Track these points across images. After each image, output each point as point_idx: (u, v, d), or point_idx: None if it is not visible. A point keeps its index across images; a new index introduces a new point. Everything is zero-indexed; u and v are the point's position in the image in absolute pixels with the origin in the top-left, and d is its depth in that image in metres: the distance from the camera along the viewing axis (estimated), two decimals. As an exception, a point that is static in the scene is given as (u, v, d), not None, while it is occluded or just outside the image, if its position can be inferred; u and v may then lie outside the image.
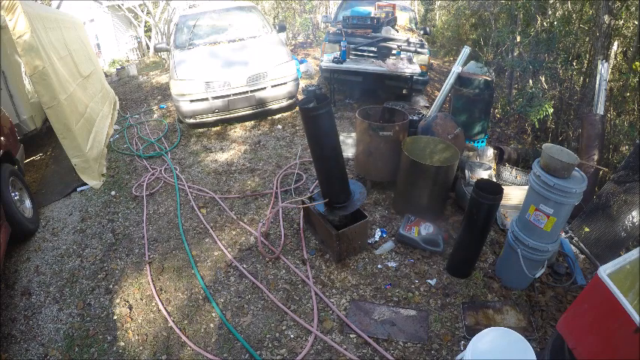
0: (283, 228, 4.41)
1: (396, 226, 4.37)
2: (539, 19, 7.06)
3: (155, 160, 6.32)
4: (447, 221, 4.48)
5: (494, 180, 4.93)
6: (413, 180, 4.31)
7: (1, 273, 3.97)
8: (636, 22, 6.06)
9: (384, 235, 4.30)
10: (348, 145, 5.97)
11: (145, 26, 18.07)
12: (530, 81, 6.91)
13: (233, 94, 6.75)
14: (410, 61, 7.03)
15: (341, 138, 5.86)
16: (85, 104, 6.39)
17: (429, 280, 3.74)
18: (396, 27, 8.12)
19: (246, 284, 3.78)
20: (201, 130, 7.19)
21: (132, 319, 3.55)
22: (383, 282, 3.72)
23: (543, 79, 7.01)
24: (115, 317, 3.57)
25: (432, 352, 3.11)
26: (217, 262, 4.09)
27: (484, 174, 4.72)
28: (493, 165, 5.21)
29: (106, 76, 11.20)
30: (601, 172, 5.31)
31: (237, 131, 7.11)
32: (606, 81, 5.27)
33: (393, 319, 3.37)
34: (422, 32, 9.10)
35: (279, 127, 7.12)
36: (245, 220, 4.67)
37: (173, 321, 3.45)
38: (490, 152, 5.35)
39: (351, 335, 3.24)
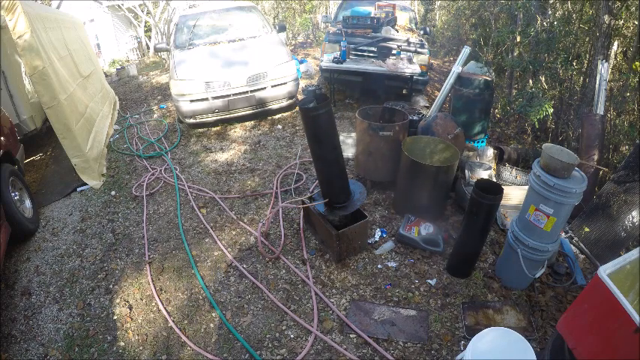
0: (283, 228, 4.41)
1: (396, 226, 4.37)
2: (539, 19, 7.06)
3: (155, 160, 6.32)
4: (447, 221, 4.49)
5: (494, 180, 4.93)
6: (413, 180, 4.31)
7: (1, 273, 3.97)
8: (636, 22, 6.07)
9: (384, 235, 4.30)
10: (348, 145, 5.97)
11: (145, 26, 18.09)
12: (530, 81, 6.92)
13: (233, 94, 6.75)
14: (410, 61, 7.03)
15: (341, 138, 5.86)
16: (85, 104, 6.39)
17: (429, 280, 3.74)
18: (396, 27, 8.12)
19: (246, 284, 3.78)
20: (201, 130, 7.19)
21: (132, 319, 3.55)
22: (383, 282, 3.73)
23: (543, 79, 7.02)
24: (115, 317, 3.57)
25: (432, 352, 3.11)
26: (217, 262, 4.09)
27: (484, 174, 4.72)
28: (493, 165, 5.20)
29: (106, 76, 11.20)
30: (601, 172, 5.32)
31: (237, 131, 7.11)
32: (606, 81, 5.27)
33: (393, 319, 3.37)
34: (422, 32, 9.09)
35: (279, 127, 7.13)
36: (245, 220, 4.67)
37: (173, 321, 3.46)
38: (490, 152, 5.35)
39: (351, 335, 3.24)
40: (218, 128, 7.22)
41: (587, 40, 6.67)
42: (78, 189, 5.55)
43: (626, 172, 4.23)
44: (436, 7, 17.91)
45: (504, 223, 4.46)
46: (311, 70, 10.37)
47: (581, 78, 6.89)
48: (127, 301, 3.72)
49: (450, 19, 14.72)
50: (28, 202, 4.86)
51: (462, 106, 5.89)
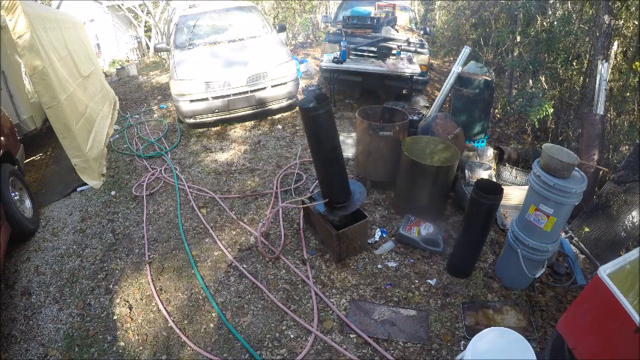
0: (283, 228, 4.41)
1: (396, 226, 4.38)
2: (539, 19, 7.07)
3: (155, 160, 6.33)
4: (447, 221, 4.49)
5: (494, 180, 4.93)
6: (413, 180, 4.31)
7: (1, 273, 3.97)
8: (636, 22, 6.07)
9: (384, 235, 4.30)
10: (348, 145, 5.98)
11: (145, 26, 18.09)
12: (531, 81, 6.92)
13: (233, 94, 6.76)
14: (410, 61, 7.04)
15: (341, 138, 5.86)
16: (85, 104, 6.39)
17: (429, 280, 3.75)
18: (396, 27, 8.13)
19: (246, 284, 3.78)
20: (201, 130, 7.20)
21: (132, 319, 3.55)
22: (383, 282, 3.73)
23: (543, 79, 7.02)
24: (115, 317, 3.57)
25: (432, 352, 3.12)
26: (217, 262, 4.09)
27: (484, 174, 4.72)
28: (493, 165, 5.21)
29: (106, 76, 11.21)
30: (601, 172, 5.32)
31: (237, 131, 7.12)
32: (606, 81, 5.27)
33: (393, 319, 3.37)
34: (422, 32, 9.10)
35: (279, 127, 7.13)
36: (245, 220, 4.68)
37: (173, 321, 3.46)
38: (490, 152, 5.35)
39: (351, 335, 3.25)
40: (218, 128, 7.23)
41: (587, 40, 6.68)
42: (78, 189, 5.55)
43: (626, 172, 4.24)
44: (436, 7, 17.92)
45: (504, 223, 4.46)
46: (311, 70, 10.37)
47: (581, 78, 6.89)
48: (127, 301, 3.72)
49: (450, 19, 14.73)
50: (28, 202, 4.86)
51: (462, 106, 5.89)
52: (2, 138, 4.68)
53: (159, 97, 9.38)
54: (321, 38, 11.93)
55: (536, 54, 6.82)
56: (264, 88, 6.92)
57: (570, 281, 3.76)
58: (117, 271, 4.09)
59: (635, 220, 4.00)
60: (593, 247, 4.14)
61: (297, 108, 7.57)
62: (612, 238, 4.07)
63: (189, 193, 5.21)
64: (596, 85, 5.25)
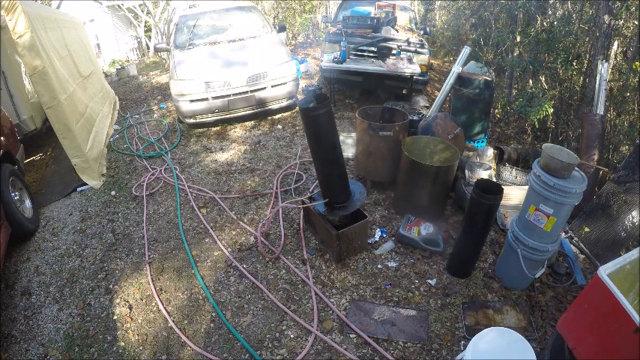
0: (283, 228, 4.41)
1: (396, 226, 4.38)
2: (539, 19, 7.07)
3: (155, 160, 6.33)
4: (447, 221, 4.49)
5: (494, 180, 4.93)
6: (413, 180, 4.32)
7: (1, 273, 3.97)
8: (636, 22, 6.07)
9: (384, 235, 4.31)
10: (348, 145, 5.98)
11: (145, 26, 18.10)
12: (531, 81, 6.92)
13: (233, 94, 6.77)
14: (410, 61, 7.04)
15: (341, 138, 5.84)
16: (85, 104, 6.40)
17: (429, 280, 3.75)
18: (396, 27, 8.13)
19: (246, 284, 3.78)
20: (201, 130, 7.20)
21: (132, 319, 3.55)
22: (383, 282, 3.73)
23: (543, 79, 7.02)
24: (115, 317, 3.58)
25: (432, 352, 3.12)
26: (217, 262, 4.10)
27: (484, 174, 4.73)
28: (493, 165, 5.21)
29: (106, 76, 11.21)
30: (601, 172, 5.32)
31: (237, 131, 7.12)
32: (606, 81, 5.27)
33: (393, 319, 3.37)
34: (422, 32, 9.10)
35: (279, 127, 7.13)
36: (245, 220, 4.68)
37: (173, 321, 3.46)
38: (490, 152, 5.35)
39: (351, 335, 3.25)
40: (218, 128, 7.24)
41: (587, 40, 6.67)
42: (78, 189, 5.56)
43: (626, 172, 4.24)
44: (436, 7, 17.92)
45: (504, 223, 4.46)
46: (311, 70, 10.37)
47: (582, 78, 6.88)
48: (127, 301, 3.73)
49: (450, 19, 14.72)
50: (28, 202, 4.87)
51: (462, 106, 5.89)
52: (2, 138, 4.68)
53: (159, 97, 9.38)
54: (321, 38, 11.93)
55: (537, 54, 6.83)
56: (264, 88, 6.92)
57: (570, 281, 3.76)
58: (117, 271, 4.09)
59: (635, 220, 4.00)
60: (593, 247, 4.14)
61: (297, 108, 7.57)
62: (612, 238, 4.07)
63: (189, 193, 5.21)
64: (596, 85, 5.25)
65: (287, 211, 4.76)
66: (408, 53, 7.38)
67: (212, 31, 7.98)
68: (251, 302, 3.59)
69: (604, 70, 5.22)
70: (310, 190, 5.00)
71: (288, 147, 6.33)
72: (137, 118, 8.12)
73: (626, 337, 2.03)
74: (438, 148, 4.63)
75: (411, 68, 6.69)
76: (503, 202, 4.50)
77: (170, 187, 5.46)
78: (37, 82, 4.89)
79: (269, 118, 7.51)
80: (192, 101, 6.65)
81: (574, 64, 6.55)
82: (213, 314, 3.50)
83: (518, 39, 7.64)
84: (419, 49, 7.53)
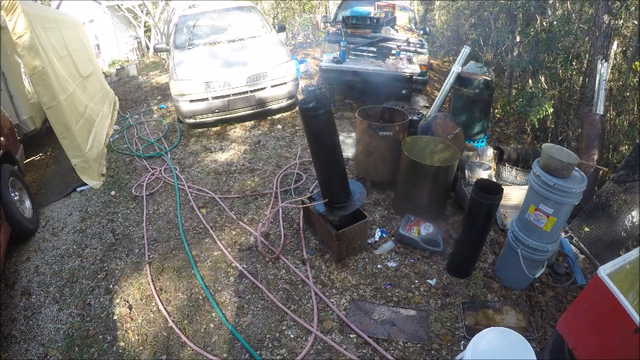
0: (283, 228, 4.42)
1: (396, 226, 4.38)
2: (538, 19, 7.08)
3: (155, 160, 6.34)
4: (447, 221, 4.50)
5: (494, 180, 4.94)
6: (413, 180, 4.33)
7: (1, 273, 3.99)
8: (636, 22, 6.08)
9: (384, 235, 4.31)
10: (348, 145, 6.00)
11: (145, 26, 18.11)
12: (530, 81, 6.92)
13: (233, 94, 6.78)
14: (410, 61, 7.05)
15: (341, 138, 5.84)
16: (85, 104, 6.41)
17: (429, 280, 3.76)
18: (396, 27, 8.15)
19: (246, 284, 3.79)
20: (200, 130, 7.22)
21: (132, 319, 3.56)
22: (383, 282, 3.74)
23: (543, 79, 7.03)
24: (115, 317, 3.58)
25: (432, 352, 3.13)
26: (217, 262, 4.10)
27: (484, 174, 4.73)
28: (493, 165, 5.22)
29: (106, 76, 11.21)
30: (601, 172, 5.33)
31: (237, 131, 7.14)
32: (606, 80, 5.29)
33: (393, 319, 3.38)
34: (421, 32, 9.11)
35: (279, 127, 7.14)
36: (245, 220, 4.69)
37: (173, 321, 3.47)
38: (490, 152, 5.36)
39: (351, 335, 3.26)
40: (218, 128, 7.26)
41: (586, 39, 6.68)
42: (78, 189, 5.57)
43: (625, 171, 4.25)
44: (436, 6, 17.92)
45: (504, 223, 4.47)
46: (311, 70, 10.39)
47: (581, 78, 6.90)
48: (127, 301, 3.73)
49: (450, 19, 14.74)
50: (27, 203, 4.87)
51: (461, 106, 5.91)
52: (2, 138, 4.69)
53: (159, 97, 9.40)
54: (321, 38, 11.95)
55: (536, 54, 6.83)
56: (264, 88, 6.94)
57: (570, 281, 3.77)
58: (117, 271, 4.10)
59: (634, 220, 4.01)
60: (592, 247, 4.15)
61: (297, 108, 7.57)
62: (612, 238, 4.08)
63: (188, 193, 5.22)
64: (596, 85, 5.26)
65: (287, 211, 4.77)
66: (408, 53, 7.39)
67: (212, 31, 8.00)
68: (251, 302, 3.60)
69: (603, 69, 5.23)
70: (310, 190, 5.01)
71: (287, 147, 6.34)
72: (137, 118, 8.14)
73: (626, 337, 2.04)
74: (438, 148, 4.64)
75: (410, 68, 6.71)
76: (503, 202, 4.49)
77: (170, 187, 5.47)
78: (36, 83, 4.89)
79: (269, 118, 7.52)
80: (192, 101, 6.67)
81: (574, 63, 6.57)
82: (213, 314, 3.50)
83: (518, 39, 7.65)
84: (418, 49, 7.55)
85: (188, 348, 3.24)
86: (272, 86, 7.00)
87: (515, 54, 7.85)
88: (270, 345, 3.21)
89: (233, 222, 4.68)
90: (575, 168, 3.18)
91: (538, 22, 7.06)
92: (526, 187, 3.77)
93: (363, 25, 7.76)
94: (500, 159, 5.47)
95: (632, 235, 4.03)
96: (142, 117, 8.22)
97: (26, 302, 3.80)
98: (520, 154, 5.61)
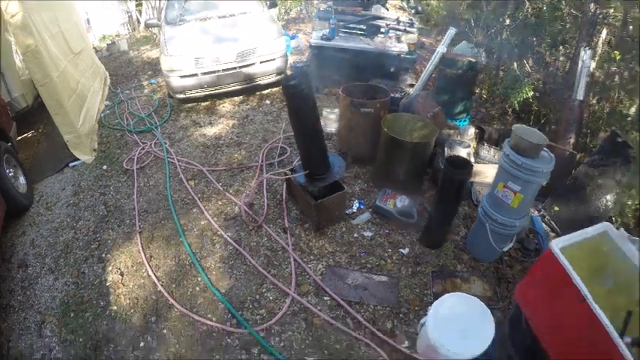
0: (267, 199, 4.62)
1: (374, 198, 4.55)
2: (527, 3, 7.12)
3: (145, 134, 6.44)
4: (424, 195, 4.67)
5: (473, 158, 5.11)
6: (391, 155, 4.48)
7: (-1, 247, 4.17)
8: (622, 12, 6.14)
9: (362, 207, 4.50)
10: (332, 120, 6.15)
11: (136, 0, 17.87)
12: (515, 64, 7.00)
13: (222, 70, 6.83)
14: (398, 39, 7.14)
15: (324, 113, 6.03)
16: (77, 80, 6.44)
17: (402, 250, 3.97)
18: (387, 5, 8.16)
19: (231, 251, 4.01)
20: (190, 105, 7.30)
21: (123, 284, 3.78)
22: (358, 250, 3.96)
23: (529, 62, 7.11)
24: (108, 284, 3.80)
25: (400, 315, 3.36)
26: (204, 230, 4.31)
27: (462, 152, 4.89)
28: (473, 144, 5.34)
29: (97, 51, 11.00)
30: (579, 156, 5.43)
31: (226, 106, 7.23)
32: (588, 68, 5.30)
33: (366, 284, 3.60)
34: (413, 11, 9.14)
35: (267, 102, 7.23)
36: (231, 192, 4.87)
37: (162, 285, 3.69)
38: (471, 131, 5.50)
39: (325, 298, 3.49)
40: (207, 103, 7.33)
41: (573, 27, 6.74)
42: (70, 164, 5.69)
43: (600, 156, 4.39)
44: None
45: (478, 199, 4.62)
46: (302, 45, 10.36)
47: (568, 63, 6.97)
48: (119, 269, 3.95)
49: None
50: (22, 179, 5.01)
51: (445, 86, 6.04)
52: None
53: (149, 73, 9.39)
54: (313, 14, 11.91)
55: (524, 38, 6.89)
56: (253, 64, 6.98)
57: (538, 257, 3.94)
58: (109, 241, 4.30)
59: (605, 202, 4.19)
60: (564, 227, 4.28)
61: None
62: (584, 218, 4.18)
63: (178, 167, 5.37)
64: (578, 72, 5.34)
65: (271, 182, 4.95)
66: (397, 32, 7.44)
67: (203, 7, 7.92)
68: (234, 267, 3.82)
69: (586, 56, 5.27)
70: (294, 163, 5.16)
71: (275, 122, 6.46)
72: (128, 94, 8.18)
73: (573, 306, 2.19)
74: (417, 126, 4.78)
75: (398, 47, 6.82)
76: (479, 179, 4.71)
77: (160, 160, 5.61)
78: (29, 61, 4.95)
79: (257, 93, 7.58)
80: (182, 77, 6.72)
81: (560, 49, 6.65)
82: (199, 279, 3.73)
83: (508, 22, 7.69)
84: (408, 28, 7.51)
85: (175, 309, 3.46)
86: (261, 62, 7.03)
87: (504, 37, 7.90)
88: (250, 306, 3.44)
89: (220, 193, 4.85)
90: (545, 149, 3.33)
91: (527, 6, 7.10)
92: (502, 165, 3.94)
93: (354, 3, 7.74)
94: (481, 138, 5.59)
95: (604, 216, 4.18)
96: (133, 92, 8.27)
97: (23, 274, 4.00)
98: (502, 134, 5.72)
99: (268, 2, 8.78)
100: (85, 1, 13.19)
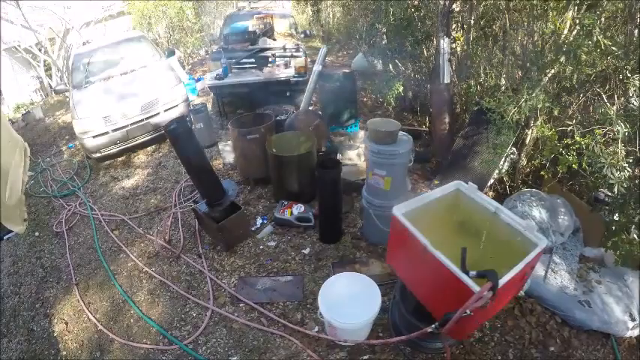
0: (182, 232, 5.15)
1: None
2: (391, 9, 7.76)
3: (70, 197, 6.74)
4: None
5: (362, 159, 5.71)
6: (280, 171, 5.07)
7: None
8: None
9: (265, 222, 5.11)
10: (228, 151, 6.71)
11: (45, 65, 17.79)
12: (390, 65, 7.65)
13: (130, 124, 7.16)
14: (286, 65, 7.76)
15: (220, 147, 6.71)
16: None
17: (304, 250, 4.58)
18: (275, 36, 8.72)
19: (156, 283, 4.53)
20: (108, 162, 7.57)
21: (69, 331, 4.21)
22: (264, 259, 4.55)
23: (403, 62, 7.73)
24: (56, 334, 4.22)
25: (308, 305, 3.95)
26: (131, 270, 4.80)
27: (352, 154, 5.54)
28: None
29: (13, 122, 10.92)
30: (461, 133, 5.95)
31: (141, 157, 7.59)
32: (448, 53, 5.91)
33: (274, 286, 4.18)
34: (302, 36, 9.74)
35: (177, 147, 7.63)
36: (151, 233, 5.35)
37: (101, 325, 4.16)
38: (361, 134, 6.14)
39: (240, 304, 4.06)
40: (123, 158, 7.63)
41: (432, 22, 7.40)
42: (5, 237, 5.94)
43: (471, 127, 5.07)
44: (328, 5, 17.82)
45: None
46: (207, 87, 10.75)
47: (433, 56, 7.67)
48: (63, 319, 4.37)
49: (341, 17, 15.05)
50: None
51: (328, 99, 6.75)
52: None
53: (67, 137, 9.60)
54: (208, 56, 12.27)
55: (398, 40, 7.48)
56: (158, 113, 7.35)
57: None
58: (51, 298, 4.70)
59: (483, 165, 4.76)
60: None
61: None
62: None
63: (102, 220, 5.78)
64: (441, 59, 5.95)
65: (186, 218, 5.46)
66: (285, 59, 8.00)
67: (105, 66, 8.24)
68: (160, 296, 4.35)
69: (445, 44, 5.89)
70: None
71: (185, 163, 6.92)
72: (49, 161, 8.36)
73: (420, 255, 2.53)
74: (301, 140, 5.38)
75: (285, 73, 7.46)
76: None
77: (86, 218, 5.98)
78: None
79: (167, 140, 7.94)
80: (94, 137, 6.99)
81: (424, 43, 7.34)
82: (132, 312, 4.23)
83: (384, 30, 8.28)
84: (294, 54, 8.07)
85: (116, 342, 3.95)
86: (165, 110, 7.40)
87: (383, 42, 8.52)
88: (178, 325, 3.98)
89: (142, 236, 5.33)
90: (403, 133, 3.82)
91: (391, 11, 7.71)
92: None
93: (242, 40, 8.34)
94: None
95: (487, 178, 4.77)
96: (53, 159, 8.44)
97: (-22, 344, 4.33)
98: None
99: (166, 51, 9.22)
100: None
